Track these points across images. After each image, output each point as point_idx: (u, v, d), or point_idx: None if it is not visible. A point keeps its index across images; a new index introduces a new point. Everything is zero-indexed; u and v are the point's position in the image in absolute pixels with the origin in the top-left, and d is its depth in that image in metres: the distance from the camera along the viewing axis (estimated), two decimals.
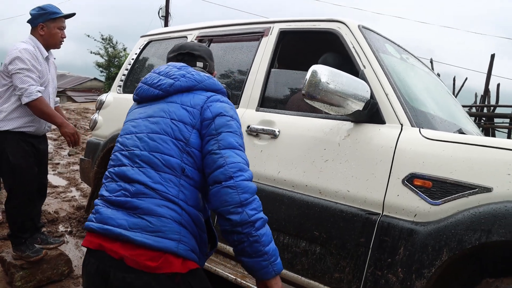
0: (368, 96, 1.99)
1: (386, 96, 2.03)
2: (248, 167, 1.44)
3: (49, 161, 6.55)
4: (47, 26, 2.84)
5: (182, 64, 1.63)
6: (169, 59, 1.75)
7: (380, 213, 1.88)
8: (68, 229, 3.99)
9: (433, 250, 1.65)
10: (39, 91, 2.67)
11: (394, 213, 1.84)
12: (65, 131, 2.83)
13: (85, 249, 3.42)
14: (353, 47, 2.23)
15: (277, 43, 2.62)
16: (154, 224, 1.31)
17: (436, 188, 1.73)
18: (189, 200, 1.40)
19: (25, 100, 2.64)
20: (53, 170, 6.22)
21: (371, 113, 2.04)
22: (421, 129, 1.89)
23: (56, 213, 4.35)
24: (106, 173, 1.52)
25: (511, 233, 1.48)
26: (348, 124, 2.11)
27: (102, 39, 25.30)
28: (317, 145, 2.16)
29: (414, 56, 2.72)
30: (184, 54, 1.71)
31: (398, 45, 2.58)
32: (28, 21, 2.87)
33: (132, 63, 3.77)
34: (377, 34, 2.42)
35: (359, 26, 2.30)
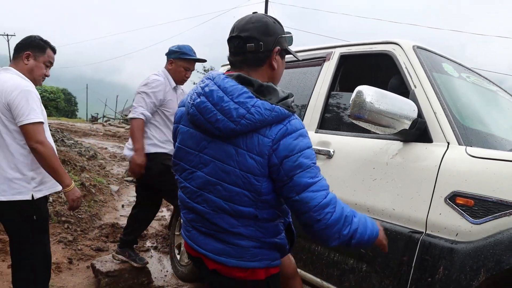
0: (414, 115, 1.99)
1: (435, 114, 2.01)
2: (328, 189, 1.43)
3: None
4: (176, 63, 3.19)
5: (236, 88, 1.39)
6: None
7: (423, 232, 1.85)
8: (154, 245, 4.36)
9: (471, 270, 1.60)
10: (143, 114, 3.02)
11: (436, 231, 1.80)
12: (134, 161, 3.03)
13: (165, 262, 3.74)
14: (406, 67, 2.24)
15: (338, 67, 2.71)
16: (238, 252, 1.48)
17: (478, 207, 1.67)
18: (268, 231, 1.51)
19: (129, 115, 3.04)
20: None
21: (419, 132, 2.03)
22: (467, 148, 1.84)
23: (146, 230, 4.75)
24: (180, 196, 1.60)
25: None
26: (397, 144, 2.11)
27: (204, 70, 27.05)
28: (367, 164, 2.19)
29: (480, 75, 2.62)
30: (234, 38, 1.49)
31: (460, 64, 2.52)
32: (165, 54, 3.26)
33: None
34: (434, 53, 2.40)
35: (413, 46, 2.31)
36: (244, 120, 1.34)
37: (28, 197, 2.23)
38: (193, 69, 3.30)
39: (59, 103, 44.34)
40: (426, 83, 2.12)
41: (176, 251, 3.69)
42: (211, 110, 1.38)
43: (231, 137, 1.39)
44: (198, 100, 1.42)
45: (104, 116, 34.47)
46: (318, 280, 2.30)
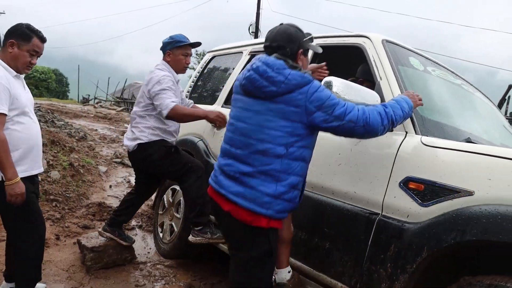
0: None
1: None
2: (355, 105, 1.85)
3: None
4: (173, 53, 3.20)
5: (278, 63, 1.85)
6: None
7: (379, 213, 2.01)
8: (139, 224, 4.52)
9: (416, 247, 1.77)
10: (174, 101, 2.97)
11: (390, 213, 1.97)
12: (211, 118, 2.98)
13: (149, 240, 3.90)
14: (374, 60, 2.38)
15: (313, 58, 2.84)
16: (253, 195, 1.85)
17: (427, 191, 1.84)
18: (289, 169, 1.86)
19: (164, 113, 2.94)
20: None
21: None
22: (422, 137, 2.00)
23: None
24: (223, 146, 2.03)
25: (482, 233, 1.56)
26: None
27: (197, 54, 26.97)
28: (333, 150, 2.34)
29: (447, 69, 2.77)
30: (267, 47, 2.01)
31: (428, 58, 2.66)
32: (160, 49, 3.26)
33: (198, 76, 4.20)
34: (403, 47, 2.54)
35: (382, 40, 2.44)
36: (283, 85, 1.81)
37: None
38: (191, 54, 3.34)
39: (50, 84, 43.95)
40: (390, 75, 2.27)
41: (159, 230, 3.85)
42: (258, 79, 1.86)
43: (273, 97, 1.83)
44: (248, 74, 1.91)
45: (95, 98, 34.32)
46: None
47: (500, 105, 10.40)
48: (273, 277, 2.32)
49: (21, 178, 2.36)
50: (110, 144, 9.26)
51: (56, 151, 5.85)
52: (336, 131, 1.87)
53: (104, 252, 3.39)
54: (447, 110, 2.44)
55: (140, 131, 3.14)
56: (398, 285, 1.81)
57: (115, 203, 5.13)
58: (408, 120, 2.10)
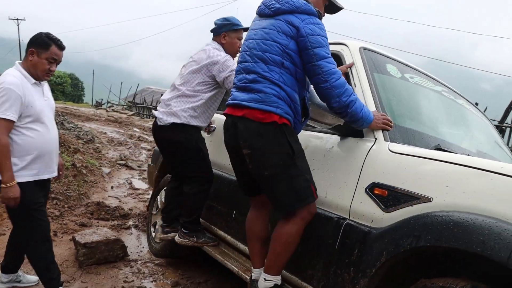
0: None
1: None
2: (336, 67, 2.08)
3: (139, 168, 7.44)
4: (229, 36, 3.15)
5: None
6: None
7: (347, 218, 2.06)
8: (135, 223, 4.61)
9: (376, 252, 1.80)
10: None
11: (356, 218, 2.01)
12: None
13: (143, 239, 3.99)
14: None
15: None
16: (262, 98, 2.09)
17: (390, 197, 1.87)
18: (286, 82, 2.11)
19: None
20: (139, 175, 7.06)
21: (353, 128, 2.22)
22: (390, 144, 2.04)
23: (130, 210, 5.02)
24: (236, 68, 2.31)
25: (435, 239, 1.59)
26: (335, 138, 2.31)
27: None
28: (308, 156, 2.36)
29: (428, 76, 2.80)
30: None
31: (407, 65, 2.69)
32: (212, 30, 3.19)
33: None
34: (381, 54, 2.58)
35: (360, 48, 2.48)
36: (287, 4, 2.13)
37: None
38: (242, 38, 3.21)
39: (66, 88, 44.77)
40: (365, 82, 2.30)
41: (152, 229, 3.93)
42: (270, 1, 2.21)
43: (278, 14, 2.15)
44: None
45: (108, 102, 34.79)
46: None
47: (507, 113, 10.29)
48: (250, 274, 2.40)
49: (30, 182, 2.49)
50: (117, 147, 9.43)
51: (60, 152, 5.99)
52: (306, 66, 2.10)
53: (97, 249, 3.47)
54: (420, 117, 2.47)
55: (182, 110, 3.03)
56: None
57: (114, 203, 5.26)
58: None
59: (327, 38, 2.13)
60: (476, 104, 11.35)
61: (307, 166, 2.17)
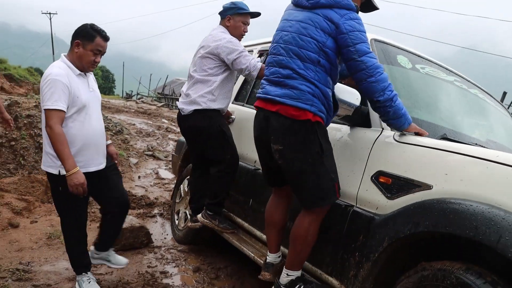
0: (357, 103, 2.24)
1: None
2: (380, 65, 2.07)
3: (165, 159, 7.67)
4: (234, 19, 3.21)
5: None
6: None
7: (354, 205, 2.14)
8: (160, 212, 4.80)
9: (379, 237, 1.89)
10: (258, 61, 3.02)
11: (363, 205, 2.09)
12: None
13: (167, 227, 4.16)
14: None
15: None
16: (297, 95, 2.10)
17: (394, 185, 1.95)
18: (321, 80, 2.12)
19: (254, 74, 2.98)
20: (165, 165, 7.28)
21: (362, 118, 2.30)
22: (396, 133, 2.10)
23: (156, 199, 5.22)
24: (268, 59, 2.30)
25: (433, 225, 1.66)
26: (345, 128, 2.39)
27: None
28: None
29: (441, 66, 2.82)
30: None
31: (419, 56, 2.72)
32: (219, 13, 3.28)
33: None
34: (393, 46, 2.62)
35: (371, 39, 2.53)
36: None
37: (55, 172, 2.54)
38: (249, 24, 3.33)
39: (97, 80, 45.77)
40: None
41: (176, 217, 4.10)
42: None
43: (315, 8, 2.12)
44: None
45: (138, 94, 35.44)
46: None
47: None
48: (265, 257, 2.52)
49: None
50: (145, 138, 9.69)
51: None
52: (349, 63, 2.09)
53: (122, 235, 3.64)
54: (429, 107, 2.51)
55: (200, 96, 3.13)
56: (363, 272, 1.94)
57: (141, 192, 5.46)
58: None
59: (366, 33, 2.12)
60: (505, 93, 11.06)
61: (334, 165, 2.19)
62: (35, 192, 4.64)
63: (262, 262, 2.58)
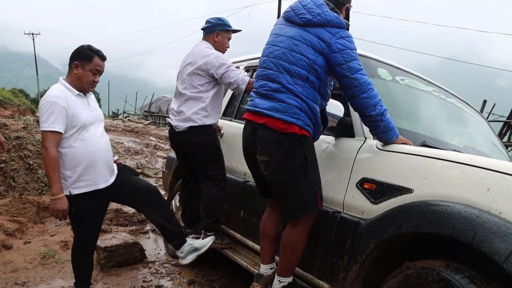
0: (341, 114, 2.37)
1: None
2: (370, 82, 2.17)
3: (155, 176, 7.70)
4: (221, 35, 3.29)
5: (321, 2, 2.23)
6: None
7: (341, 211, 2.25)
8: (153, 228, 4.85)
9: (365, 240, 2.00)
10: (245, 75, 3.12)
11: (349, 211, 2.20)
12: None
13: (160, 242, 4.22)
14: None
15: None
16: (284, 108, 2.17)
17: (378, 190, 2.07)
18: (309, 96, 2.19)
19: (243, 87, 3.06)
20: (155, 182, 7.32)
21: (346, 129, 2.42)
22: (377, 142, 2.23)
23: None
24: (258, 72, 2.36)
25: (414, 226, 1.78)
26: (330, 138, 2.51)
27: None
28: None
29: (420, 77, 2.97)
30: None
31: (398, 68, 2.87)
32: (205, 28, 3.31)
33: None
34: (373, 59, 2.76)
35: None
36: (319, 16, 2.16)
37: (67, 193, 2.57)
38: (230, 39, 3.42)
39: None
40: None
41: None
42: (299, 8, 2.24)
43: (307, 26, 2.19)
44: (294, 5, 2.29)
45: (124, 112, 35.38)
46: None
47: None
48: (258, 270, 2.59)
49: (84, 193, 2.60)
50: (134, 156, 9.73)
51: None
52: (341, 81, 2.18)
53: (116, 252, 3.71)
54: (409, 117, 2.65)
55: (194, 113, 3.16)
56: (352, 274, 2.04)
57: (132, 209, 5.48)
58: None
59: (356, 50, 2.20)
60: (485, 101, 11.39)
61: (318, 177, 2.27)
62: (26, 213, 4.67)
63: (256, 271, 2.66)
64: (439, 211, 1.70)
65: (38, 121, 10.16)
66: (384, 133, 2.15)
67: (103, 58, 2.72)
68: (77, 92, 2.65)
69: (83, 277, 2.86)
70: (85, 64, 2.63)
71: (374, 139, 2.28)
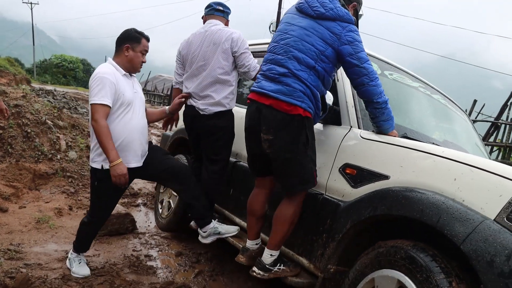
0: (330, 103, 2.52)
1: (346, 104, 2.56)
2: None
3: None
4: (228, 21, 3.32)
5: None
6: None
7: (323, 193, 2.42)
8: (144, 202, 5.03)
9: (343, 221, 2.17)
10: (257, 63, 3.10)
11: (331, 193, 2.37)
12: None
13: (150, 215, 4.38)
14: None
15: None
16: (289, 91, 2.30)
17: (358, 175, 2.24)
18: (312, 83, 2.32)
19: (253, 74, 3.04)
20: None
21: (334, 117, 2.58)
22: (362, 131, 2.39)
23: (140, 190, 5.43)
24: (266, 56, 2.50)
25: (388, 209, 1.95)
26: (318, 125, 2.66)
27: None
28: None
29: (408, 73, 3.13)
30: None
31: (387, 63, 3.02)
32: (223, 12, 3.25)
33: None
34: None
35: None
36: (331, 11, 2.31)
37: (98, 166, 2.73)
38: None
39: (78, 73, 45.26)
40: (346, 78, 2.64)
41: (159, 206, 4.32)
42: (314, 2, 2.37)
43: (319, 18, 2.33)
44: None
45: None
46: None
47: (502, 110, 10.52)
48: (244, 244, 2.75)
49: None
50: None
51: (75, 134, 6.40)
52: (351, 70, 2.33)
53: (109, 221, 3.82)
54: (394, 110, 2.77)
55: (224, 98, 3.10)
56: (329, 251, 2.22)
57: None
58: (354, 116, 2.49)
59: (360, 38, 2.36)
60: (475, 101, 11.57)
61: (315, 156, 2.42)
62: (22, 179, 4.80)
63: (241, 246, 2.83)
64: (410, 196, 1.87)
65: (34, 90, 10.23)
66: (385, 121, 2.32)
67: (147, 39, 2.88)
68: (124, 72, 2.79)
69: (83, 240, 3.07)
70: (135, 46, 2.79)
71: (359, 128, 2.43)
